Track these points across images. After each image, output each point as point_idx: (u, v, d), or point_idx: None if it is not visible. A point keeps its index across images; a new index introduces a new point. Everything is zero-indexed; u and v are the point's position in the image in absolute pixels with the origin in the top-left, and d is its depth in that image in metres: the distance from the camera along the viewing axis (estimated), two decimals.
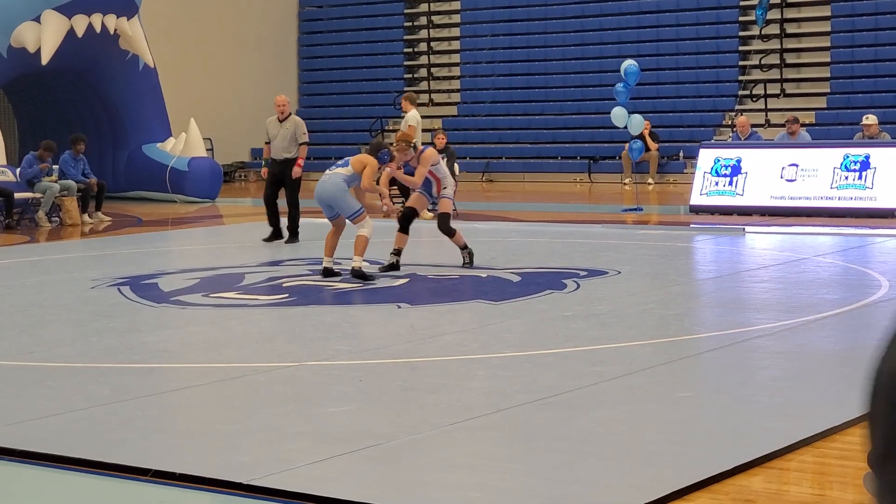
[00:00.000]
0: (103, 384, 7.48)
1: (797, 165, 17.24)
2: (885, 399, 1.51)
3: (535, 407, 6.66)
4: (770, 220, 16.48)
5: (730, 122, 24.19)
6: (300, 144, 14.91)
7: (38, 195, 18.59)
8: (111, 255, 14.01)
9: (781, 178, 17.28)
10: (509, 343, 8.45)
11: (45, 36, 20.84)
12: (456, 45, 29.58)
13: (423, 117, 29.15)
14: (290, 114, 15.07)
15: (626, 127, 18.40)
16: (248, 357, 8.20)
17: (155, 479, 5.54)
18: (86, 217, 18.86)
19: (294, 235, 14.83)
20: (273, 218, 14.92)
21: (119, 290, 11.40)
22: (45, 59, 20.94)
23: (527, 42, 28.33)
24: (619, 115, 18.21)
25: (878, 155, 16.84)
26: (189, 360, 8.28)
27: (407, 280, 11.55)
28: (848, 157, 16.98)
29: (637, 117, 18.44)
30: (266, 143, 15.13)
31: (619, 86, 18.30)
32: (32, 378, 7.70)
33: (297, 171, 14.84)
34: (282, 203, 15.01)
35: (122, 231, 17.61)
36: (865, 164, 16.81)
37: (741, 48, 26.19)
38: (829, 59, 25.18)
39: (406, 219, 12.00)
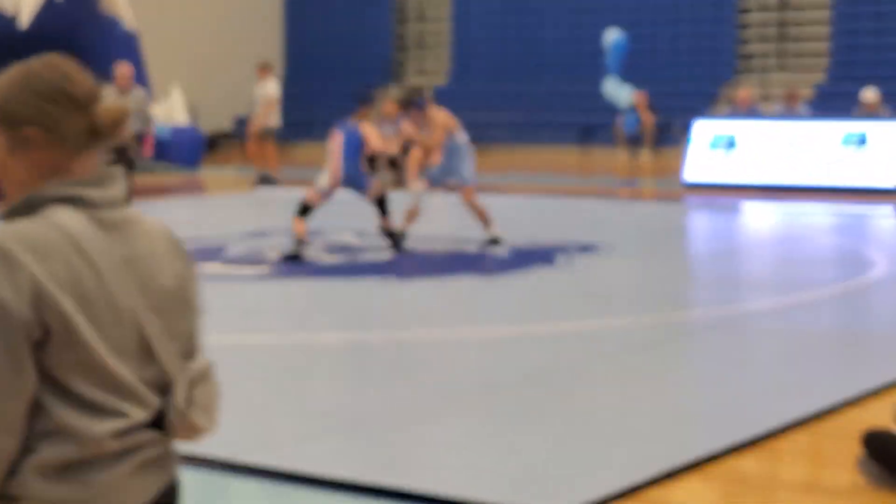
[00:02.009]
0: None
1: (795, 140, 17.15)
2: None
3: (525, 384, 6.59)
4: (766, 196, 16.40)
5: (727, 95, 24.07)
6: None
7: None
8: None
9: (778, 153, 17.19)
10: (499, 319, 8.38)
11: None
12: (447, 12, 29.41)
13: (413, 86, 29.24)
14: (134, 86, 14.50)
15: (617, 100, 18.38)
16: (230, 331, 8.10)
17: None
18: None
19: None
20: None
21: None
22: (24, 23, 20.79)
23: (520, 10, 28.16)
24: (608, 87, 18.18)
25: (876, 131, 16.76)
26: None
27: (394, 253, 11.46)
28: (847, 132, 16.90)
29: (624, 93, 18.33)
30: None
31: (611, 58, 18.25)
32: None
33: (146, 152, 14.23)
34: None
35: None
36: (864, 141, 16.72)
37: (739, 19, 26.04)
38: (828, 31, 25.03)
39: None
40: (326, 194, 11.28)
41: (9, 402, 2.05)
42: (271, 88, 18.21)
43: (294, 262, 10.84)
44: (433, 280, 10.11)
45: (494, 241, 11.47)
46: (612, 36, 18.09)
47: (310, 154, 27.31)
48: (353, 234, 12.82)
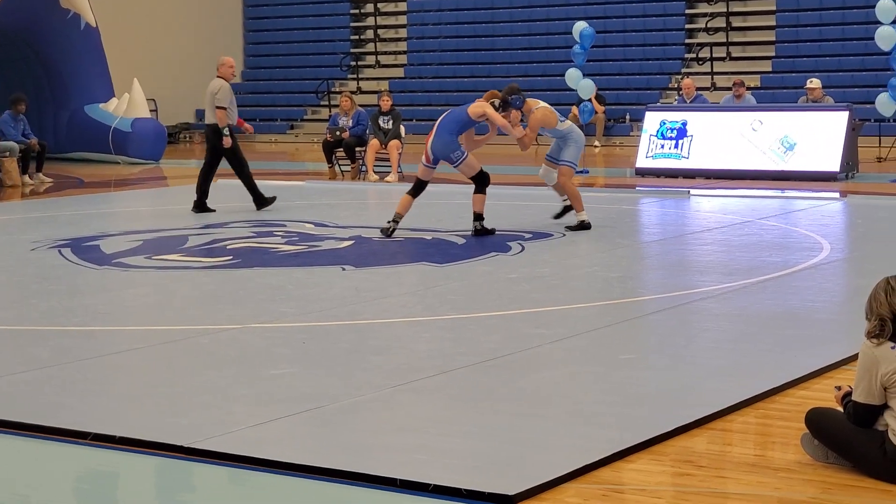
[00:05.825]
0: (43, 347, 7.40)
1: (742, 128, 17.33)
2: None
3: (480, 369, 6.67)
4: (715, 183, 16.58)
5: (676, 85, 24.27)
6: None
7: None
8: (52, 217, 13.84)
9: (726, 140, 17.36)
10: (454, 305, 8.45)
11: None
12: (403, 6, 29.40)
13: (369, 79, 29.18)
14: None
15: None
16: (190, 319, 8.14)
17: (94, 443, 5.49)
18: (26, 178, 18.64)
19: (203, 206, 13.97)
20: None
21: (60, 252, 11.27)
22: None
23: (474, 3, 28.21)
24: (573, 76, 18.29)
25: (820, 119, 16.96)
26: (131, 323, 8.21)
27: (352, 242, 11.52)
28: (793, 116, 17.10)
29: (587, 81, 18.47)
30: (221, 108, 13.72)
31: (577, 48, 18.35)
32: None
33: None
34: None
35: (64, 193, 17.38)
36: (809, 127, 16.92)
37: (688, 11, 26.24)
38: (774, 23, 25.30)
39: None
40: (427, 168, 11.80)
41: None
42: None
43: (388, 237, 11.45)
44: (390, 268, 10.18)
45: (575, 225, 11.96)
46: (581, 29, 18.25)
47: (270, 147, 27.22)
48: (313, 224, 12.88)
